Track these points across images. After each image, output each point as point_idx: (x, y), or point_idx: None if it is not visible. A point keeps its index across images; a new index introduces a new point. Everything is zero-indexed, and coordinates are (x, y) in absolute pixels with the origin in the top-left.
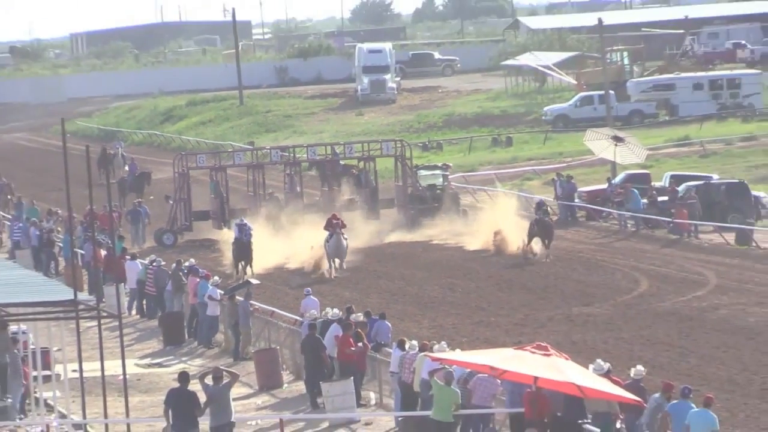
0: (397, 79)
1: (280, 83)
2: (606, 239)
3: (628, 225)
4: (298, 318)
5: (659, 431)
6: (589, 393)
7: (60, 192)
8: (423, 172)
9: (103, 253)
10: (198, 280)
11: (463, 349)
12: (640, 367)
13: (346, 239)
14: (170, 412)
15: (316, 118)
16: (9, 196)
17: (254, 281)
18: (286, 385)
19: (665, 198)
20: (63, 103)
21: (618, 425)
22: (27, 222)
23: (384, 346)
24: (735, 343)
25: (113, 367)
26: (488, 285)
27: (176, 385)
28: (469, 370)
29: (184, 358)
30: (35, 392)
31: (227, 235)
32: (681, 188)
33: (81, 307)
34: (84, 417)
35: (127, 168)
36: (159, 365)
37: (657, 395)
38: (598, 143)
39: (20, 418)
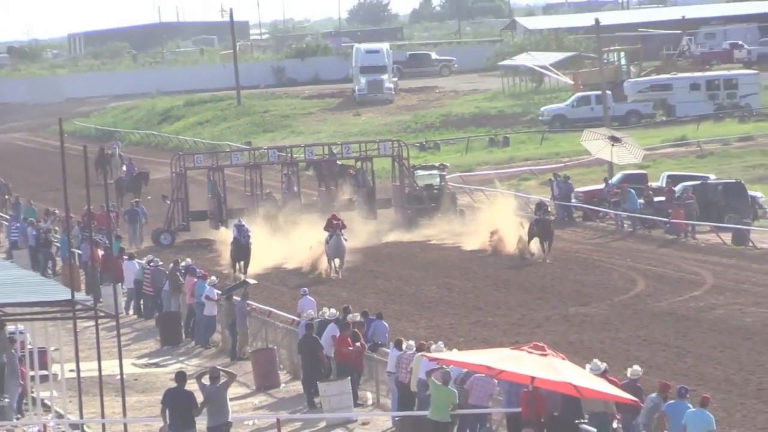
0: (395, 79)
1: (277, 83)
2: (603, 239)
3: (625, 225)
4: (295, 318)
5: (656, 431)
6: (585, 393)
7: (57, 192)
8: (420, 172)
9: (100, 253)
10: (195, 280)
11: (460, 349)
12: (636, 367)
13: (345, 240)
14: (167, 411)
15: (313, 119)
16: (6, 196)
17: (251, 281)
18: (283, 385)
19: (662, 198)
20: (61, 104)
21: (615, 425)
22: (24, 222)
23: (381, 346)
24: (732, 343)
25: (110, 367)
26: (485, 285)
27: (173, 385)
28: (466, 369)
29: (181, 358)
30: (32, 392)
31: (224, 235)
32: (678, 188)
33: (78, 307)
34: (81, 417)
35: (124, 168)
36: (156, 365)
37: (654, 395)
38: (595, 143)
39: (17, 418)
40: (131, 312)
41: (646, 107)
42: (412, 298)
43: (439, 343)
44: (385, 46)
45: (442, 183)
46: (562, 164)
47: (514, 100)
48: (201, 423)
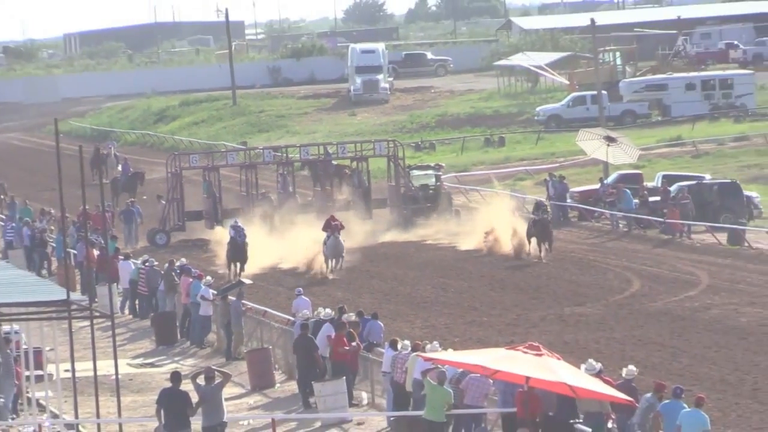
0: (390, 79)
1: (273, 83)
2: (598, 239)
3: (620, 225)
4: (290, 318)
5: (651, 431)
6: (580, 393)
7: (53, 192)
8: (415, 173)
9: (95, 253)
10: (191, 280)
11: (456, 348)
12: (631, 367)
13: (343, 241)
14: (162, 412)
15: (308, 118)
16: (2, 196)
17: (247, 281)
18: (278, 384)
19: (657, 198)
20: (56, 103)
21: (610, 425)
22: (20, 222)
23: (376, 346)
24: (727, 343)
25: (105, 367)
26: (481, 285)
27: (168, 385)
28: (461, 369)
29: (176, 358)
30: (27, 392)
31: (220, 235)
32: (673, 188)
33: (73, 307)
34: (76, 417)
35: (119, 168)
36: (151, 365)
37: (649, 395)
38: (591, 143)
39: (12, 418)
40: (126, 312)
41: (641, 107)
42: (408, 297)
43: (435, 343)
44: (380, 46)
45: (438, 183)
46: (557, 164)
47: (510, 100)
48: (196, 423)
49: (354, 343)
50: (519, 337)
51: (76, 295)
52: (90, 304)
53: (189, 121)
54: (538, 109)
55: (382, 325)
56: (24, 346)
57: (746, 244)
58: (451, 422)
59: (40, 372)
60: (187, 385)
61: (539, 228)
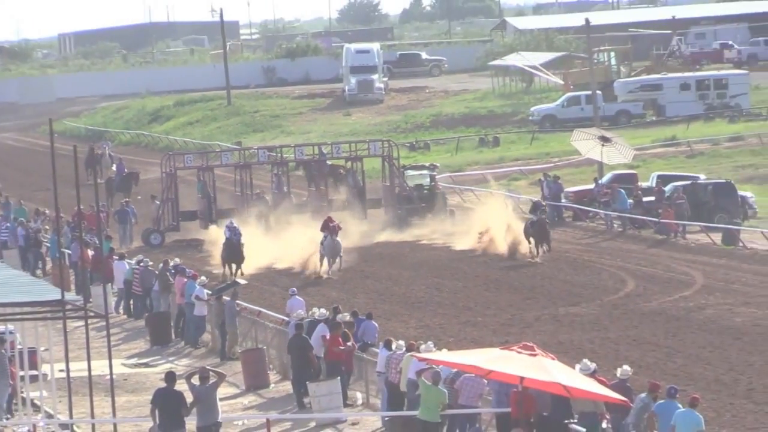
0: (385, 79)
1: (267, 83)
2: (593, 239)
3: (615, 225)
4: (284, 318)
5: (646, 431)
6: (575, 393)
7: (47, 192)
8: (410, 173)
9: (90, 253)
10: (185, 280)
11: (450, 349)
12: (626, 367)
13: (340, 242)
14: (157, 412)
15: (303, 118)
16: None
17: (242, 281)
18: (272, 385)
19: (651, 198)
20: (51, 103)
21: (604, 425)
22: (15, 222)
23: (371, 346)
24: (721, 343)
25: (100, 367)
26: (475, 285)
27: (163, 385)
28: (455, 369)
29: (170, 358)
30: (22, 392)
31: (214, 235)
32: (668, 188)
33: (68, 307)
34: (71, 417)
35: (114, 168)
36: (146, 365)
37: (643, 395)
38: (585, 143)
39: (7, 418)
40: (121, 312)
41: (636, 107)
42: (402, 298)
43: (429, 343)
44: (375, 46)
45: (433, 183)
46: (552, 164)
47: (505, 100)
48: (191, 423)
49: (349, 343)
50: (513, 337)
51: (71, 295)
52: (84, 304)
53: (183, 121)
54: (532, 109)
55: (376, 325)
56: (18, 346)
57: (741, 244)
58: (446, 422)
59: (34, 372)
60: (181, 385)
61: (537, 229)
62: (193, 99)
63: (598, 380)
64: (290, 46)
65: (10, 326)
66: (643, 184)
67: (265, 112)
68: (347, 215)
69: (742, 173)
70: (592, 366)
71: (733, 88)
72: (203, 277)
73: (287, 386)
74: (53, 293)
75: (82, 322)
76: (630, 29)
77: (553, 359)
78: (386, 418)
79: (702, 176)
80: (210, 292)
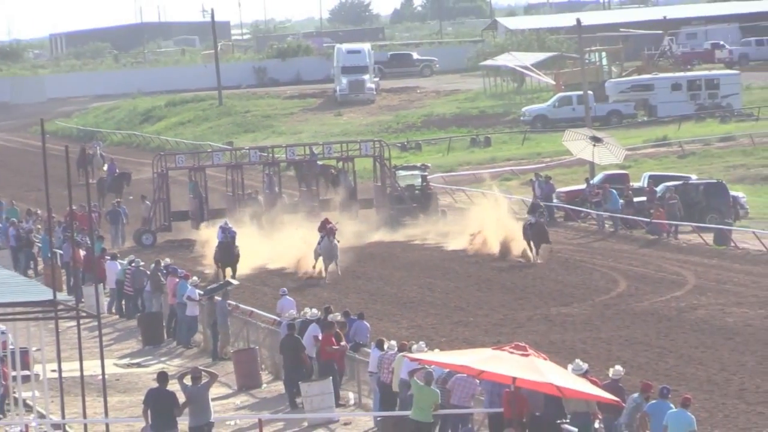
0: (376, 79)
1: (259, 83)
2: (584, 239)
3: (607, 225)
4: (276, 318)
5: (638, 431)
6: (567, 393)
7: (39, 192)
8: (402, 173)
9: (82, 253)
10: (177, 280)
11: (442, 349)
12: (618, 367)
13: (338, 242)
14: (149, 412)
15: (294, 119)
16: None
17: (234, 282)
18: (264, 385)
19: (642, 198)
20: (42, 104)
21: (597, 425)
22: (6, 222)
23: (362, 346)
24: (713, 344)
25: (92, 367)
26: (467, 285)
27: (155, 385)
28: (447, 369)
29: (163, 358)
30: (14, 392)
31: (206, 235)
32: (659, 188)
33: (60, 307)
34: (63, 417)
35: (105, 168)
36: (138, 365)
37: (636, 395)
38: (577, 143)
39: None
40: (113, 312)
41: (627, 107)
42: (394, 298)
43: (421, 343)
44: (366, 46)
45: (424, 183)
46: (543, 164)
47: (496, 100)
48: (183, 423)
49: (343, 343)
50: (505, 338)
51: (63, 296)
52: (76, 304)
53: (175, 121)
54: (524, 109)
55: (368, 325)
56: (11, 347)
57: (732, 245)
58: (438, 422)
59: (26, 372)
60: (173, 386)
61: (535, 231)
62: (184, 99)
63: (590, 380)
64: (281, 47)
65: (2, 326)
66: (635, 185)
67: (256, 112)
68: (339, 215)
69: (733, 173)
70: (584, 366)
71: (725, 89)
72: (195, 278)
73: (279, 386)
74: (45, 293)
75: (74, 323)
76: (621, 29)
77: (545, 359)
78: (378, 418)
79: (693, 176)
80: (202, 292)
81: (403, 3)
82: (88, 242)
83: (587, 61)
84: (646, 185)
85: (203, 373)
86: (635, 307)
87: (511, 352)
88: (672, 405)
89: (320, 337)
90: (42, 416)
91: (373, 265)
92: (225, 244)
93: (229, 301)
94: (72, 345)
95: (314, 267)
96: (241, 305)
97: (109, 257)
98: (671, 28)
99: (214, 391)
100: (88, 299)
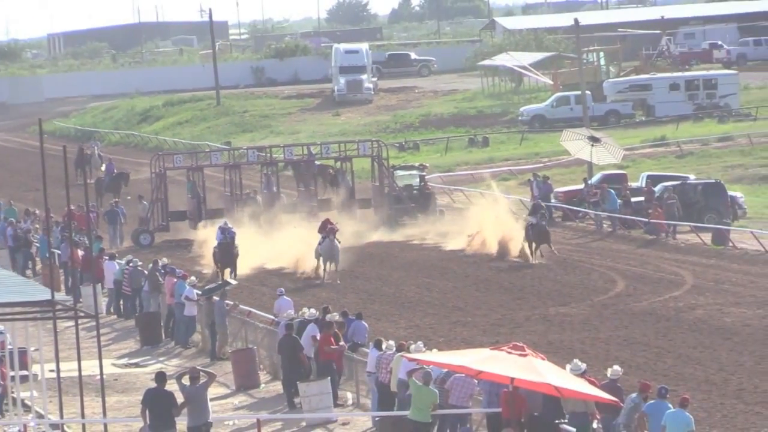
0: (374, 79)
1: (256, 83)
2: (582, 239)
3: (605, 225)
4: (274, 318)
5: (636, 431)
6: (566, 393)
7: (37, 192)
8: (400, 173)
9: (80, 253)
10: (175, 280)
11: (440, 349)
12: (616, 367)
13: (339, 242)
14: (147, 412)
15: (292, 119)
16: None
17: (233, 282)
18: (263, 385)
19: (640, 198)
20: (40, 103)
21: (595, 425)
22: (4, 222)
23: (361, 346)
24: (711, 344)
25: (90, 367)
26: (465, 285)
27: (153, 385)
28: (446, 369)
29: (161, 358)
30: (13, 392)
31: (204, 235)
32: (657, 188)
33: (58, 307)
34: (61, 417)
35: (103, 168)
36: (136, 365)
37: (634, 395)
38: (575, 143)
39: None
40: (111, 311)
41: (625, 107)
42: (392, 298)
43: (419, 343)
44: (364, 46)
45: (422, 183)
46: (541, 164)
47: (494, 100)
48: (181, 423)
49: (342, 343)
50: (504, 338)
51: (61, 296)
52: (74, 304)
53: (173, 121)
54: (522, 109)
55: (366, 325)
56: (9, 347)
57: (730, 245)
58: (436, 422)
59: (25, 372)
60: (172, 385)
61: (537, 232)
62: (182, 99)
63: (588, 380)
64: (279, 46)
65: (1, 326)
66: (633, 185)
67: (254, 112)
68: (337, 215)
69: (731, 173)
70: (583, 366)
71: (723, 89)
72: (193, 278)
73: (278, 386)
74: (43, 293)
75: (72, 323)
76: (619, 29)
77: (544, 359)
78: (377, 418)
79: (691, 176)
80: (200, 292)
81: (401, 3)
82: (86, 242)
83: (585, 61)
84: (644, 185)
85: (201, 373)
86: (633, 307)
87: (510, 352)
88: (670, 405)
89: (318, 337)
90: (40, 416)
91: (372, 265)
92: (224, 245)
93: (227, 301)
94: (70, 345)
95: (318, 270)
96: (240, 305)
97: (107, 257)
98: (669, 28)
99: (213, 391)
100: (86, 299)
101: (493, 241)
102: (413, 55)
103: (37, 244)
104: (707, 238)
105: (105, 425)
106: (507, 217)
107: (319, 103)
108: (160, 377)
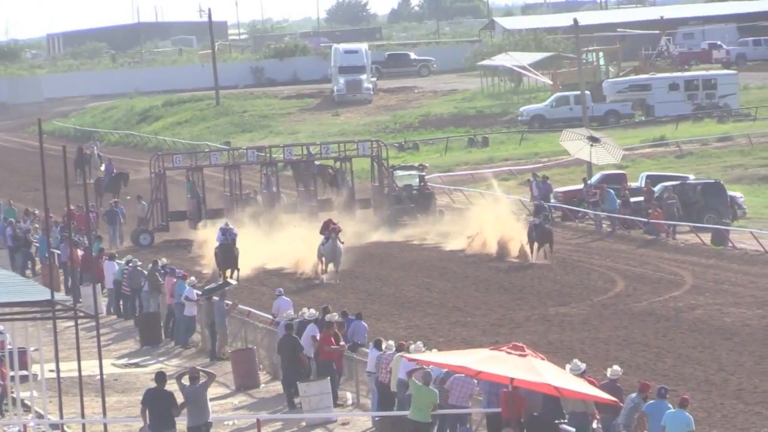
0: (373, 79)
1: (256, 83)
2: (582, 240)
3: (604, 225)
4: (273, 318)
5: (636, 431)
6: (565, 393)
7: (37, 192)
8: (399, 173)
9: (79, 253)
10: (175, 280)
11: (440, 349)
12: (616, 367)
13: (342, 243)
14: (147, 412)
15: (292, 119)
16: None
17: (233, 282)
18: (263, 385)
19: (639, 198)
20: (40, 104)
21: (594, 425)
22: (4, 222)
23: (361, 346)
24: (711, 344)
25: (90, 367)
26: (465, 285)
27: (153, 385)
28: (446, 369)
29: (161, 359)
30: (12, 392)
31: (203, 236)
32: (657, 188)
33: (58, 307)
34: (61, 417)
35: (103, 168)
36: (136, 365)
37: (634, 395)
38: (574, 143)
39: None
40: (111, 311)
41: (624, 107)
42: (392, 298)
43: (418, 343)
44: (363, 46)
45: (422, 183)
46: (541, 164)
47: (493, 100)
48: (181, 423)
49: (342, 343)
50: (503, 338)
51: (61, 296)
52: (74, 304)
53: (172, 121)
54: (521, 109)
55: (366, 325)
56: (9, 347)
57: (730, 245)
58: (436, 422)
59: (24, 372)
60: (172, 385)
61: (539, 233)
62: (181, 99)
63: (587, 380)
64: (278, 47)
65: (0, 326)
66: (632, 185)
67: (253, 112)
68: (336, 215)
69: (731, 173)
70: (583, 366)
71: (722, 89)
72: (193, 278)
73: (277, 386)
74: (43, 293)
75: (71, 323)
76: (618, 29)
77: (543, 359)
78: (376, 418)
79: (691, 176)
80: (200, 292)
81: (401, 3)
82: (86, 242)
83: (584, 61)
84: (643, 185)
85: (201, 373)
86: (633, 307)
87: (509, 353)
88: (670, 405)
89: (318, 338)
90: (40, 416)
91: (371, 265)
92: (225, 246)
93: (226, 301)
94: (70, 345)
95: (321, 271)
96: (239, 305)
97: (106, 257)
98: (668, 28)
99: (212, 391)
100: (86, 299)
101: (493, 242)
102: (413, 55)
103: (37, 244)
104: (707, 238)
105: (105, 425)
106: (507, 217)
107: (318, 103)
108: (160, 377)
